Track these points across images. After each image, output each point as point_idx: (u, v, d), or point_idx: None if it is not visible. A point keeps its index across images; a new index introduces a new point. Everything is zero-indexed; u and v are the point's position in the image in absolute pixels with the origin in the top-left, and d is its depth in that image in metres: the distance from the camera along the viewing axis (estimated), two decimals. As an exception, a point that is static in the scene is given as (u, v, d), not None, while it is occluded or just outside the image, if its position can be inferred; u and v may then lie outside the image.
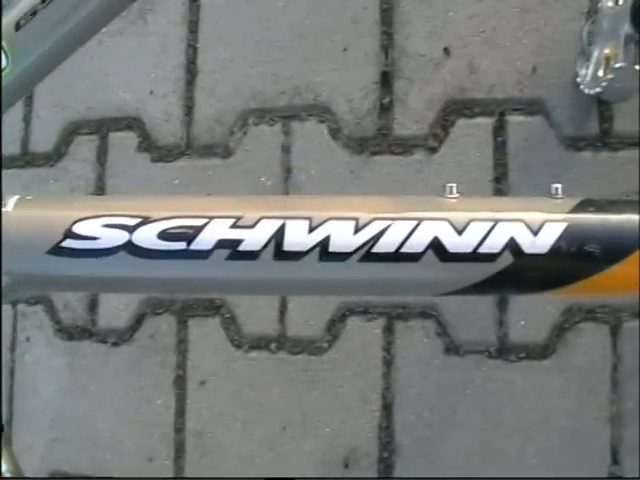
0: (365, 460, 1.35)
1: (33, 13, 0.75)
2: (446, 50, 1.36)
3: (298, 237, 0.59)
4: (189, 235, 0.59)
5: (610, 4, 1.14)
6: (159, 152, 1.51)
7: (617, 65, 1.11)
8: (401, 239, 0.59)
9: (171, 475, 1.45)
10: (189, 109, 1.50)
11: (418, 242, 0.59)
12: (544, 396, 1.28)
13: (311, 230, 0.59)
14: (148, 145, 1.52)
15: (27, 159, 1.60)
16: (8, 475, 0.64)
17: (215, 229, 0.59)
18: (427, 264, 0.59)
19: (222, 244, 0.59)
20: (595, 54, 1.17)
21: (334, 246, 0.59)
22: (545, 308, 1.28)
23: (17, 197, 0.64)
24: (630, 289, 0.60)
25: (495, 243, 0.59)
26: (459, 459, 1.31)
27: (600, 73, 1.16)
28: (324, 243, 0.59)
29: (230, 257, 0.59)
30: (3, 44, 0.75)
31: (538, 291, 0.62)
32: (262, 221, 0.60)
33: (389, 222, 0.59)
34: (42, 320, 1.56)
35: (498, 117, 1.32)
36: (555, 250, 0.58)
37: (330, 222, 0.60)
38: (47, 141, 1.59)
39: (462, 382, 1.31)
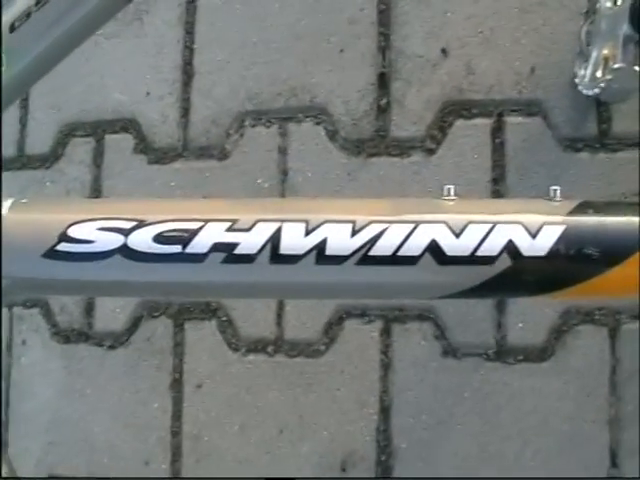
0: (363, 463, 1.35)
1: (28, 15, 0.74)
2: (444, 51, 1.36)
3: (294, 240, 0.59)
4: (185, 238, 0.59)
5: (609, 4, 1.13)
6: (155, 154, 1.50)
7: (616, 66, 1.11)
8: (398, 242, 0.58)
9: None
10: (185, 111, 1.49)
11: (415, 245, 0.58)
12: (542, 399, 1.28)
13: (308, 233, 0.59)
14: (144, 147, 1.51)
15: (23, 161, 1.60)
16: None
17: (211, 232, 0.59)
18: (425, 267, 0.59)
19: (218, 247, 0.59)
20: (594, 55, 1.17)
21: (331, 249, 0.59)
22: (543, 310, 1.28)
23: (12, 200, 0.63)
24: (629, 291, 0.60)
25: (493, 246, 0.58)
26: (457, 462, 1.31)
27: (599, 74, 1.16)
28: (321, 246, 0.59)
29: (226, 260, 0.59)
30: (-2, 46, 0.75)
31: (536, 294, 0.62)
32: (258, 224, 0.59)
33: (386, 225, 0.59)
34: (38, 323, 1.55)
35: (496, 118, 1.32)
36: (554, 253, 0.58)
37: (327, 225, 0.59)
38: (43, 143, 1.59)
39: (460, 385, 1.31)
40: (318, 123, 1.41)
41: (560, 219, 0.59)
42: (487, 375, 1.30)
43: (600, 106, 1.27)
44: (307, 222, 0.59)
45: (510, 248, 0.58)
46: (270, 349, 1.40)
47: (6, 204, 0.62)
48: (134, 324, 1.49)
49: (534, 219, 0.59)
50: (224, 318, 1.43)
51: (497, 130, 1.32)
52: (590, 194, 1.25)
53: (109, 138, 1.54)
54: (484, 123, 1.33)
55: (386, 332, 1.34)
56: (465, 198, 0.62)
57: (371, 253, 0.59)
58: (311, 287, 0.63)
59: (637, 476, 1.22)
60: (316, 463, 1.37)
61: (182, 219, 0.60)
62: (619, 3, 1.11)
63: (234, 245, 0.59)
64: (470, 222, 0.59)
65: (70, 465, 1.52)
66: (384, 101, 1.38)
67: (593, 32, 1.19)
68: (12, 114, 1.59)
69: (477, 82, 1.34)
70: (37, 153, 1.59)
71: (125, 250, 0.59)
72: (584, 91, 1.23)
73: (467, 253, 0.58)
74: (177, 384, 1.45)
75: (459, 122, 1.34)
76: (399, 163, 1.36)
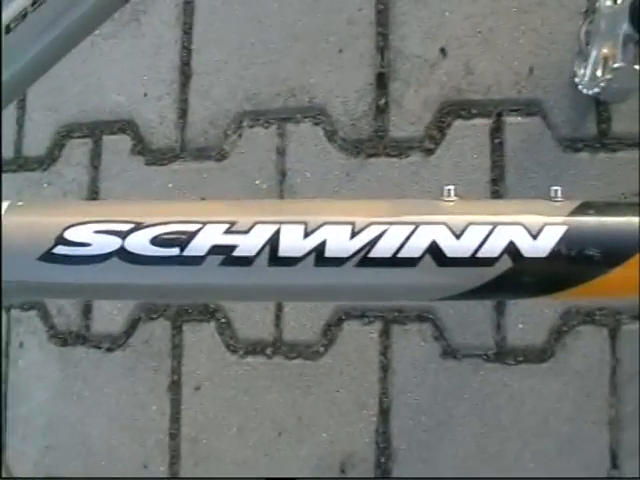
0: (362, 465, 1.34)
1: (23, 16, 0.74)
2: (442, 51, 1.35)
3: (293, 242, 0.58)
4: (182, 241, 0.58)
5: (608, 3, 1.13)
6: (153, 155, 1.50)
7: (616, 65, 1.10)
8: (398, 244, 0.58)
9: (166, 481, 1.45)
10: (183, 112, 1.49)
11: (415, 247, 0.58)
12: (542, 400, 1.27)
13: (307, 235, 0.58)
14: (142, 148, 1.51)
15: (20, 162, 1.59)
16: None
17: (209, 234, 0.58)
18: (425, 269, 0.58)
19: (216, 250, 0.58)
20: (593, 54, 1.17)
21: (330, 251, 0.58)
22: (543, 311, 1.27)
23: (7, 203, 0.62)
24: (631, 292, 0.60)
25: (494, 247, 0.58)
26: (456, 464, 1.31)
27: (598, 73, 1.16)
28: (320, 248, 0.58)
29: (224, 263, 0.58)
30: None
31: (537, 295, 0.61)
32: (257, 226, 0.59)
33: (386, 226, 0.58)
34: (36, 325, 1.55)
35: (495, 118, 1.32)
36: (555, 254, 0.57)
37: (326, 227, 0.59)
38: (40, 144, 1.59)
39: (459, 386, 1.30)
40: (317, 123, 1.40)
41: (561, 220, 0.58)
42: (487, 376, 1.30)
43: (599, 106, 1.27)
44: (306, 224, 0.59)
45: (511, 249, 0.58)
46: (269, 351, 1.40)
47: (2, 207, 0.62)
48: (132, 326, 1.48)
49: (535, 220, 0.58)
50: (222, 320, 1.43)
51: (496, 130, 1.32)
52: (590, 194, 1.24)
53: (106, 139, 1.54)
54: (483, 123, 1.33)
55: (385, 333, 1.34)
56: (465, 199, 0.62)
57: (371, 255, 0.58)
58: (310, 289, 0.62)
59: (637, 476, 1.21)
60: (315, 465, 1.36)
61: (180, 221, 0.59)
62: (619, 2, 1.11)
63: (232, 247, 0.58)
64: (470, 223, 0.58)
65: (68, 468, 1.51)
66: (383, 101, 1.38)
67: (592, 31, 1.19)
68: (9, 115, 1.59)
69: (476, 82, 1.34)
70: (34, 155, 1.59)
71: (122, 253, 0.59)
72: (584, 91, 1.23)
73: (468, 254, 0.58)
74: (175, 386, 1.45)
75: (458, 122, 1.34)
76: (398, 163, 1.36)
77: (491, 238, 0.58)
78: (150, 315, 1.47)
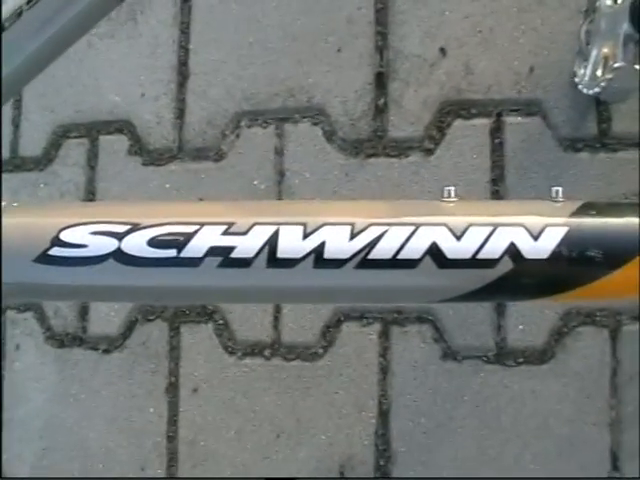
0: (361, 468, 1.34)
1: (19, 14, 0.73)
2: (442, 50, 1.35)
3: (292, 243, 0.58)
4: (180, 242, 0.58)
5: (609, 3, 1.12)
6: (150, 156, 1.50)
7: (616, 65, 1.10)
8: (398, 245, 0.58)
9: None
10: (181, 112, 1.49)
11: (416, 248, 0.58)
12: (543, 401, 1.27)
13: (306, 236, 0.58)
14: (139, 148, 1.51)
15: (16, 163, 1.59)
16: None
17: (206, 236, 0.58)
18: (425, 271, 0.58)
19: (214, 251, 0.58)
20: (593, 54, 1.16)
21: (329, 252, 0.58)
22: (544, 312, 1.27)
23: (3, 204, 0.62)
24: (632, 293, 0.59)
25: (495, 248, 0.58)
26: (456, 466, 1.30)
27: (599, 73, 1.16)
28: (319, 249, 0.58)
29: (222, 265, 0.58)
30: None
31: (538, 297, 0.62)
32: (255, 227, 0.58)
33: (386, 227, 0.58)
34: (32, 327, 1.55)
35: (495, 118, 1.32)
36: (556, 255, 0.57)
37: (325, 228, 0.59)
38: (36, 145, 1.58)
39: (459, 388, 1.30)
40: (315, 123, 1.40)
41: (563, 221, 0.58)
42: (487, 378, 1.29)
43: (600, 106, 1.27)
44: (305, 225, 0.59)
45: (512, 251, 0.58)
46: (267, 352, 1.40)
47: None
48: (129, 328, 1.48)
49: (536, 221, 0.59)
50: (220, 321, 1.42)
51: (496, 130, 1.31)
52: (590, 194, 1.24)
53: (103, 139, 1.53)
54: (483, 123, 1.32)
55: (384, 335, 1.34)
56: (466, 200, 0.61)
57: (370, 256, 0.58)
58: (309, 291, 0.62)
59: (638, 477, 1.21)
60: (314, 468, 1.36)
61: (177, 222, 0.59)
62: (619, 2, 1.10)
63: (230, 249, 0.58)
64: (471, 224, 0.59)
65: (65, 471, 1.51)
66: (382, 101, 1.37)
67: (593, 31, 1.19)
68: (5, 115, 1.58)
69: (476, 82, 1.33)
70: (30, 155, 1.58)
71: (119, 254, 0.59)
72: (584, 90, 1.22)
73: (468, 256, 0.58)
74: (173, 388, 1.45)
75: (458, 122, 1.33)
76: (397, 164, 1.35)
77: (492, 239, 0.58)
78: (147, 317, 1.47)
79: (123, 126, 1.52)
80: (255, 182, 1.42)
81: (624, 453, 1.24)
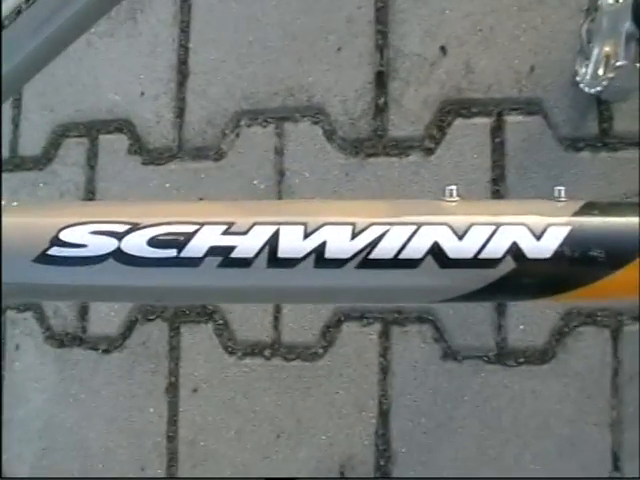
0: (361, 468, 1.34)
1: (17, 12, 0.73)
2: (442, 49, 1.35)
3: (293, 243, 0.58)
4: (180, 242, 0.58)
5: (610, 1, 1.12)
6: (150, 155, 1.49)
7: (618, 63, 1.10)
8: (400, 245, 0.58)
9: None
10: (180, 111, 1.48)
11: (417, 248, 0.58)
12: (543, 401, 1.27)
13: (306, 236, 0.58)
14: (139, 148, 1.50)
15: (16, 162, 1.59)
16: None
17: (207, 236, 0.58)
18: (427, 270, 0.58)
19: (214, 251, 0.58)
20: (595, 52, 1.16)
21: (330, 252, 0.58)
22: (544, 312, 1.27)
23: (2, 204, 0.62)
24: (635, 293, 0.59)
25: (497, 248, 0.57)
26: (457, 466, 1.30)
27: (600, 72, 1.15)
28: (320, 249, 0.58)
29: (222, 264, 0.58)
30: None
31: (540, 297, 0.61)
32: (255, 227, 0.58)
33: (387, 227, 0.58)
34: (32, 327, 1.54)
35: (496, 117, 1.31)
36: (559, 255, 0.57)
37: (326, 227, 0.58)
38: (36, 144, 1.58)
39: (460, 388, 1.30)
40: (315, 123, 1.40)
41: (565, 220, 0.58)
42: (487, 378, 1.29)
43: (601, 105, 1.27)
44: (306, 224, 0.58)
45: (514, 250, 0.57)
46: (267, 352, 1.39)
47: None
48: (129, 328, 1.48)
49: (539, 220, 0.58)
50: (220, 321, 1.42)
51: (497, 129, 1.31)
52: (591, 194, 1.24)
53: (103, 139, 1.53)
54: (483, 122, 1.32)
55: (385, 335, 1.34)
56: (468, 199, 0.61)
57: (372, 256, 0.58)
58: (310, 291, 0.62)
59: (638, 477, 1.21)
60: (314, 468, 1.36)
61: (177, 222, 0.59)
62: (621, 0, 1.10)
63: (231, 249, 0.58)
64: (473, 224, 0.58)
65: (65, 471, 1.51)
66: (382, 100, 1.37)
67: (594, 29, 1.18)
68: (5, 115, 1.58)
69: (476, 81, 1.33)
70: (30, 154, 1.58)
71: (119, 254, 0.58)
72: (586, 89, 1.22)
73: (470, 256, 0.58)
74: (173, 388, 1.44)
75: (458, 121, 1.33)
76: (397, 163, 1.35)
77: (494, 239, 0.57)
78: (147, 316, 1.47)
79: (123, 125, 1.52)
80: (255, 181, 1.42)
81: (625, 453, 1.23)
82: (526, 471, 1.27)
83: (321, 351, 1.36)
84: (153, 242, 0.58)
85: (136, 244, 0.58)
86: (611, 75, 1.13)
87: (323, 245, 0.57)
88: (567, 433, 1.26)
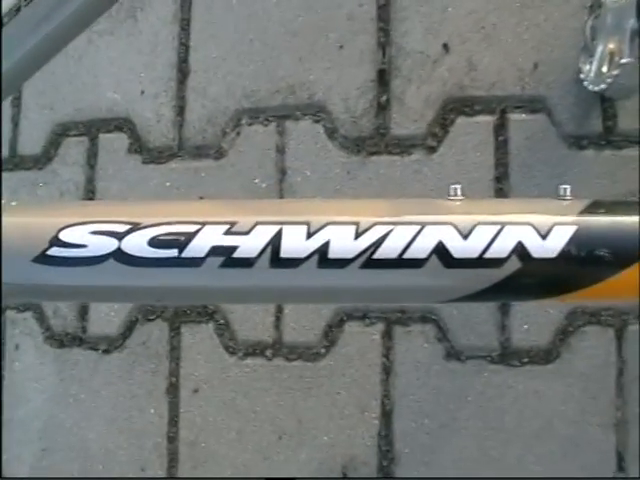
0: (364, 469, 1.33)
1: (17, 10, 0.72)
2: (445, 47, 1.34)
3: (296, 243, 0.57)
4: (181, 242, 0.57)
5: (615, -2, 1.12)
6: (150, 154, 1.49)
7: (623, 61, 1.09)
8: (404, 244, 0.57)
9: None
10: (181, 109, 1.48)
11: (422, 247, 0.57)
12: (547, 402, 1.27)
13: (309, 236, 0.57)
14: (139, 147, 1.50)
15: (15, 161, 1.59)
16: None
17: (208, 235, 0.57)
18: (431, 270, 0.57)
19: (216, 251, 0.57)
20: (599, 49, 1.16)
21: (334, 252, 0.57)
22: (548, 311, 1.27)
23: (1, 203, 0.61)
24: (640, 294, 0.58)
25: (502, 247, 0.57)
26: (460, 467, 1.30)
27: (604, 69, 1.15)
28: (323, 249, 0.57)
29: (224, 265, 0.57)
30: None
31: (546, 297, 0.61)
32: (258, 227, 0.57)
33: (391, 226, 0.57)
34: (32, 327, 1.54)
35: (499, 115, 1.31)
36: (565, 254, 0.56)
37: (329, 227, 0.57)
38: (35, 143, 1.58)
39: (463, 388, 1.30)
40: (317, 121, 1.40)
41: (571, 219, 0.57)
42: (490, 378, 1.29)
43: (605, 102, 1.26)
44: (309, 224, 0.58)
45: (519, 250, 0.57)
46: (268, 353, 1.39)
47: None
48: (129, 328, 1.48)
49: (544, 219, 0.58)
50: (221, 321, 1.42)
51: (500, 127, 1.31)
52: (595, 192, 1.23)
53: (103, 138, 1.53)
54: (486, 120, 1.32)
55: (387, 334, 1.33)
56: (472, 198, 0.60)
57: (375, 256, 0.57)
58: (313, 292, 0.61)
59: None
60: (316, 469, 1.36)
61: (178, 222, 0.58)
62: (626, -3, 1.10)
63: (233, 249, 0.57)
64: (478, 223, 0.58)
65: (64, 472, 1.51)
66: (384, 98, 1.37)
67: (598, 26, 1.18)
68: (4, 114, 1.58)
69: (479, 78, 1.33)
70: (29, 154, 1.58)
71: (119, 254, 0.58)
72: (590, 87, 1.21)
73: (475, 255, 0.57)
74: (173, 389, 1.44)
75: (461, 119, 1.33)
76: (399, 162, 1.35)
77: (499, 238, 0.57)
78: (147, 316, 1.46)
79: (123, 124, 1.52)
80: (256, 180, 1.41)
81: (630, 454, 1.23)
82: (529, 472, 1.26)
83: (323, 351, 1.36)
84: (154, 242, 0.57)
85: (137, 244, 0.57)
86: (615, 72, 1.12)
87: (326, 245, 0.57)
88: (571, 433, 1.25)
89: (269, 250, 0.57)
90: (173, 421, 1.44)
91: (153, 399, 1.45)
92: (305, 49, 1.41)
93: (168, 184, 1.47)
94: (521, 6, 1.32)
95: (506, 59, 1.32)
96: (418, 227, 0.57)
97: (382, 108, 1.37)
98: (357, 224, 0.57)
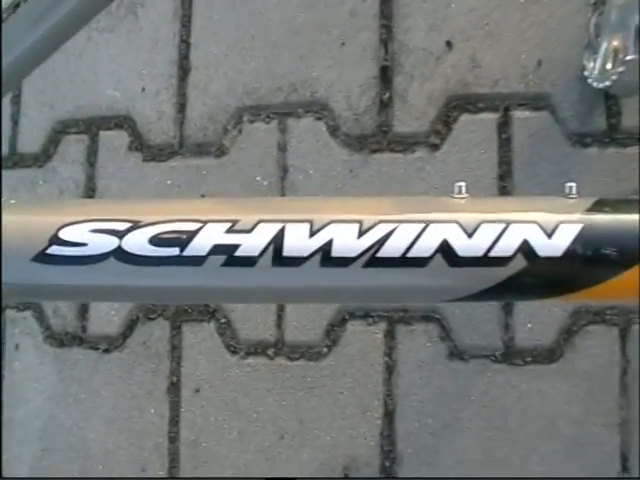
0: (366, 469, 1.33)
1: (16, 5, 0.72)
2: (448, 44, 1.34)
3: (298, 242, 0.57)
4: (182, 240, 0.57)
5: (619, -5, 1.11)
6: (151, 152, 1.49)
7: (627, 58, 1.09)
8: (408, 243, 0.57)
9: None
10: (182, 107, 1.48)
11: (426, 246, 0.57)
12: (550, 401, 1.26)
13: (312, 234, 0.57)
14: (139, 144, 1.50)
15: (15, 159, 1.58)
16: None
17: (210, 234, 0.57)
18: (435, 269, 0.57)
19: (217, 250, 0.57)
20: (603, 46, 1.16)
21: (337, 251, 0.57)
22: (552, 311, 1.27)
23: (1, 201, 0.61)
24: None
25: (507, 246, 0.56)
26: (463, 467, 1.30)
27: (608, 66, 1.15)
28: (326, 248, 0.57)
29: (226, 263, 0.57)
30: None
31: (551, 296, 0.60)
32: (260, 225, 0.57)
33: (395, 225, 0.57)
34: (31, 326, 1.54)
35: (502, 113, 1.31)
36: (570, 253, 0.56)
37: (332, 225, 0.57)
38: (35, 141, 1.58)
39: (466, 388, 1.29)
40: (319, 118, 1.39)
41: (577, 217, 0.57)
42: (494, 377, 1.29)
43: (609, 100, 1.26)
44: (311, 222, 0.57)
45: (525, 248, 0.56)
46: (270, 352, 1.39)
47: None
48: (130, 327, 1.47)
49: (550, 218, 0.57)
50: (223, 320, 1.41)
51: (503, 125, 1.30)
52: (599, 190, 1.23)
53: (103, 135, 1.52)
54: (490, 118, 1.31)
55: (390, 334, 1.33)
56: (477, 196, 0.60)
57: (379, 255, 0.56)
58: (316, 291, 0.61)
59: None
60: (317, 469, 1.35)
61: (179, 220, 0.58)
62: (631, -7, 1.09)
63: (235, 247, 0.57)
64: (483, 221, 0.57)
65: (64, 472, 1.51)
66: (386, 96, 1.36)
67: (602, 23, 1.17)
68: (4, 111, 1.58)
69: (482, 76, 1.33)
70: (29, 151, 1.58)
71: (120, 253, 0.57)
72: (594, 84, 1.21)
73: (480, 254, 0.56)
74: (174, 388, 1.44)
75: (464, 117, 1.33)
76: (402, 159, 1.34)
77: (504, 237, 0.56)
78: (148, 315, 1.46)
79: (123, 122, 1.52)
80: (258, 178, 1.41)
81: (634, 454, 1.23)
82: (533, 472, 1.26)
83: (325, 350, 1.36)
84: (155, 240, 0.57)
85: (137, 243, 0.57)
86: (620, 69, 1.12)
87: (329, 243, 0.56)
88: (575, 433, 1.25)
89: (271, 249, 0.56)
90: (174, 421, 1.43)
91: (154, 399, 1.45)
92: (307, 46, 1.41)
93: (169, 182, 1.47)
94: (525, 3, 1.31)
95: (510, 56, 1.31)
96: (422, 225, 0.57)
97: (385, 105, 1.36)
98: (360, 222, 0.57)
